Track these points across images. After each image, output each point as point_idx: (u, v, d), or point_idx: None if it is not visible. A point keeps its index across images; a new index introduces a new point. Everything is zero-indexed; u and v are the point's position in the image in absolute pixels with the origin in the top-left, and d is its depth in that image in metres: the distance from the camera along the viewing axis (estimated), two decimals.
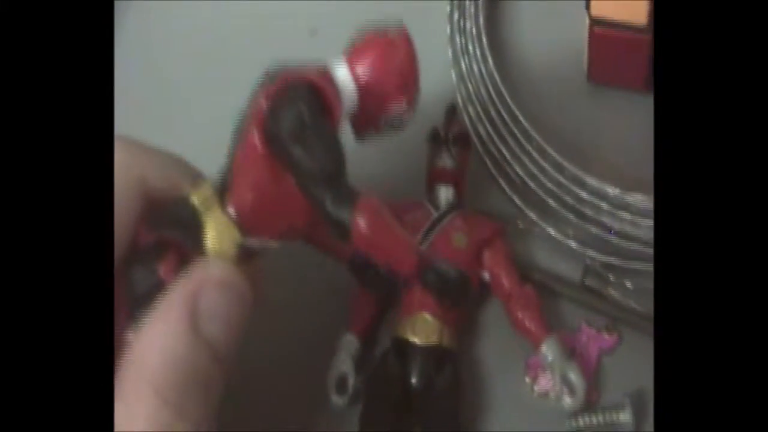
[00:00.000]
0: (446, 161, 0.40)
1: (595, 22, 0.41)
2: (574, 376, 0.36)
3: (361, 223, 0.30)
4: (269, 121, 0.31)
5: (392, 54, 0.33)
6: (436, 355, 0.37)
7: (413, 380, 0.36)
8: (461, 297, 0.35)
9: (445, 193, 0.40)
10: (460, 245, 0.38)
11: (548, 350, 0.37)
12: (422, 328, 0.37)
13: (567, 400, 0.36)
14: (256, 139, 0.31)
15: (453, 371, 0.37)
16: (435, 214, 0.39)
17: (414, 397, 0.36)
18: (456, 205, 0.39)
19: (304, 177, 0.31)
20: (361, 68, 0.33)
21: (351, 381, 0.37)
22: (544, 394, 0.38)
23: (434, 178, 0.40)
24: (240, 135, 0.32)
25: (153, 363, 0.29)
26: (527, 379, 0.38)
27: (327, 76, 0.32)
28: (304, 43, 0.48)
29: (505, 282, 0.38)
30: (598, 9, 0.41)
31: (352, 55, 0.33)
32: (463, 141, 0.40)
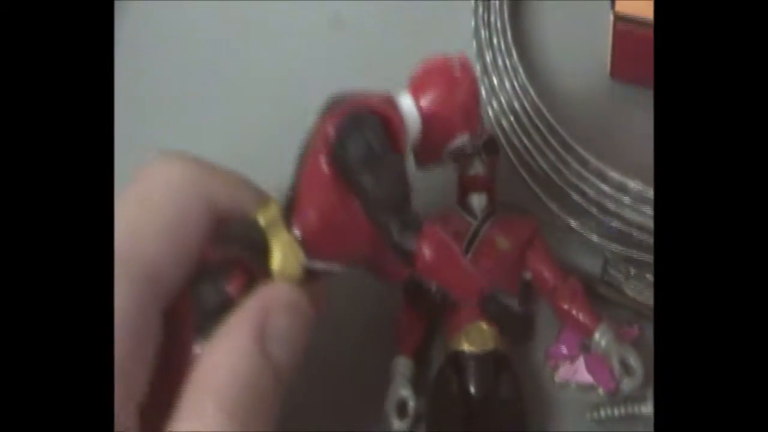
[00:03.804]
0: (478, 169, 0.40)
1: (618, 18, 0.42)
2: (632, 358, 0.36)
3: (427, 251, 0.31)
4: (337, 148, 0.31)
5: (456, 87, 0.34)
6: (493, 362, 0.37)
7: (472, 390, 0.36)
8: (521, 331, 0.35)
9: (478, 201, 0.40)
10: (504, 248, 0.39)
11: (602, 337, 0.37)
12: (477, 337, 0.37)
13: (626, 383, 0.37)
14: (323, 164, 0.31)
15: (512, 374, 0.37)
16: (474, 223, 0.39)
17: (477, 407, 0.36)
18: (491, 211, 0.40)
19: (372, 204, 0.31)
20: (426, 100, 0.33)
21: (411, 404, 0.37)
22: (565, 384, 0.38)
23: (467, 186, 0.40)
24: (305, 159, 0.32)
25: (221, 379, 0.30)
26: (549, 368, 0.39)
27: (392, 105, 0.33)
28: (327, 29, 0.49)
29: (548, 277, 0.39)
30: (622, 6, 0.42)
31: (417, 87, 0.34)
32: (492, 147, 0.40)
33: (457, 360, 0.37)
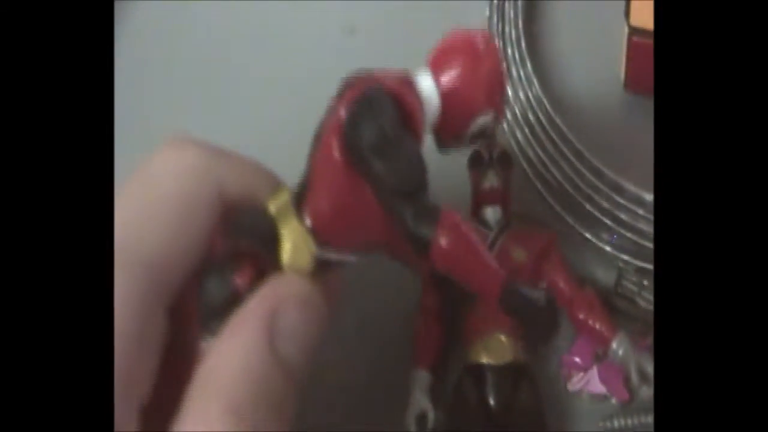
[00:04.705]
0: (492, 181, 0.40)
1: (634, 31, 0.42)
2: (650, 367, 0.36)
3: (443, 241, 0.29)
4: (349, 132, 0.29)
5: (479, 63, 0.31)
6: (511, 373, 0.37)
7: (492, 402, 0.37)
8: (547, 328, 0.33)
9: (493, 214, 0.40)
10: (520, 260, 0.38)
11: (619, 346, 0.37)
12: (496, 349, 0.37)
13: (645, 390, 0.37)
14: (334, 148, 0.30)
15: (531, 384, 0.37)
16: (490, 235, 0.39)
17: (497, 418, 0.36)
18: (506, 224, 0.40)
19: (385, 192, 0.30)
20: (447, 78, 0.31)
21: (431, 416, 0.37)
22: (578, 393, 0.39)
23: (481, 199, 0.40)
24: (318, 143, 0.30)
25: (228, 377, 0.28)
26: (562, 378, 0.39)
27: (409, 84, 0.31)
28: (341, 42, 0.49)
29: (565, 287, 0.39)
30: (638, 19, 0.42)
31: (437, 64, 0.32)
32: (506, 160, 0.40)
33: (476, 372, 0.37)
